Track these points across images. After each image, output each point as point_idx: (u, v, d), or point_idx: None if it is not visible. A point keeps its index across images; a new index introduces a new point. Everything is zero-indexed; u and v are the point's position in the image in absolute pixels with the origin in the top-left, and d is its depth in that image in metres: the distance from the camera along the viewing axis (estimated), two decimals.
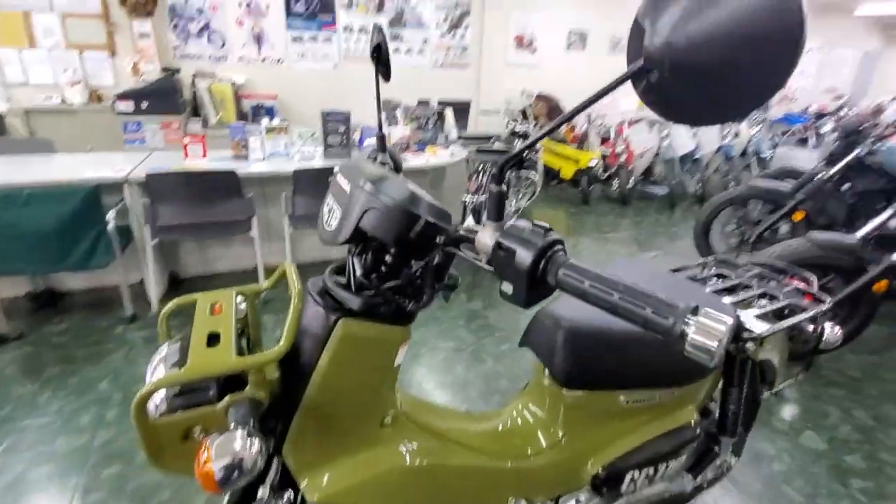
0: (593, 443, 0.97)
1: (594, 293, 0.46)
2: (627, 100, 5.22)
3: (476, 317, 2.67)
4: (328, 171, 2.76)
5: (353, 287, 0.66)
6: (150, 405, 0.56)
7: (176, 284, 2.97)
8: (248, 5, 4.61)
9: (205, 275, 3.11)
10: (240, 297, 0.73)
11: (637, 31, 0.42)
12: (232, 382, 0.60)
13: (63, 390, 2.01)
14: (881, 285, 2.04)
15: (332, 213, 0.65)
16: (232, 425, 0.55)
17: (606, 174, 5.07)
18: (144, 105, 3.71)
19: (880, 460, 1.77)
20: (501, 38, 5.68)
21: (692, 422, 1.04)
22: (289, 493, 0.70)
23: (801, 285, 1.26)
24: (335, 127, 3.01)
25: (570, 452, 0.96)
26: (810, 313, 1.13)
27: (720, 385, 1.10)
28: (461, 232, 0.59)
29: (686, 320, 0.42)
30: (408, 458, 0.76)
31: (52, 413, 1.88)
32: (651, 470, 1.00)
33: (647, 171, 5.35)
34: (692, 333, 0.41)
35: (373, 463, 0.73)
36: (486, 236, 0.54)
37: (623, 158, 4.88)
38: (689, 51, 0.38)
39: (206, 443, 0.52)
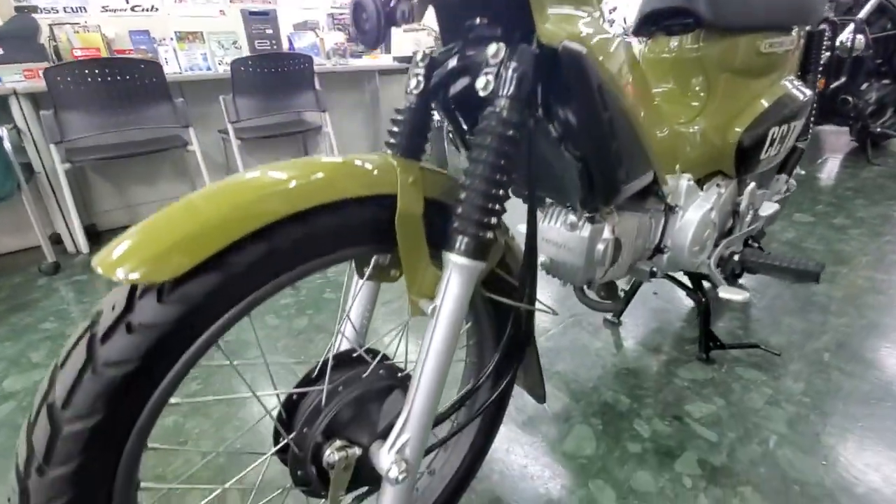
0: (734, 109, 0.92)
1: None
2: None
3: None
4: (277, 59, 2.40)
5: None
6: None
7: (95, 240, 2.43)
8: None
9: (129, 224, 2.59)
10: None
11: None
12: None
13: None
14: (821, 83, 2.29)
15: None
16: None
17: None
18: None
19: (858, 217, 2.00)
20: None
21: (802, 89, 1.04)
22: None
23: None
24: (261, 29, 2.65)
25: (715, 119, 0.90)
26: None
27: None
28: None
29: None
30: None
31: None
32: (785, 128, 0.97)
33: None
34: None
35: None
36: None
37: None
38: None
39: None
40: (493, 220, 0.51)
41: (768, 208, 1.03)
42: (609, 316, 1.35)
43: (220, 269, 0.40)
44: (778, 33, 0.92)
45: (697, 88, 0.90)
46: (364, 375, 0.57)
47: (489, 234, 0.51)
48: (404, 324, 0.65)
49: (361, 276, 0.64)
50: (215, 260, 0.40)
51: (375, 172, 0.49)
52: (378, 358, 0.59)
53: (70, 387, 0.37)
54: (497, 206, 0.52)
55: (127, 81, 1.97)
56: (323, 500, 0.56)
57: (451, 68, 0.60)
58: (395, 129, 0.62)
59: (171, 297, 0.39)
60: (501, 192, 0.51)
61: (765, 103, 0.94)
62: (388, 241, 0.52)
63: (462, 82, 0.62)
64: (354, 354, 0.60)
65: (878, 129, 2.73)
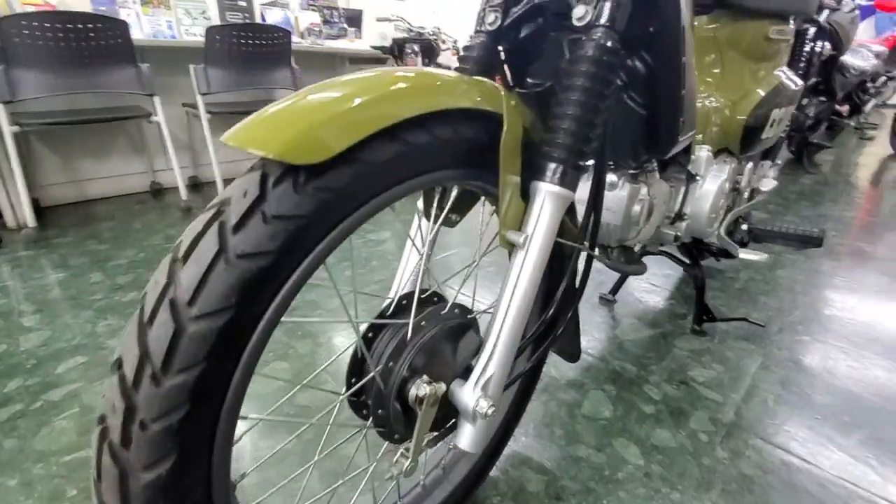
0: (742, 90, 0.99)
1: None
2: None
3: None
4: (255, 29, 2.29)
5: None
6: None
7: (37, 216, 2.19)
8: None
9: (77, 201, 2.36)
10: None
11: None
12: None
13: None
14: None
15: None
16: None
17: None
18: None
19: (804, 216, 2.21)
20: None
21: (794, 78, 1.13)
22: None
23: None
24: (233, 1, 2.51)
25: (728, 96, 0.97)
26: None
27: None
28: None
29: None
30: None
31: None
32: (784, 112, 1.06)
33: None
34: None
35: None
36: None
37: None
38: None
39: None
40: (588, 149, 0.52)
41: (768, 184, 1.12)
42: (605, 294, 1.40)
43: (353, 163, 0.38)
44: (782, 22, 1.00)
45: (712, 67, 0.96)
46: (443, 312, 0.56)
47: (582, 163, 0.52)
48: (474, 264, 0.64)
49: (428, 217, 0.63)
50: (347, 154, 0.38)
51: (483, 90, 0.49)
52: (454, 298, 0.58)
53: (199, 280, 0.33)
54: (591, 135, 0.52)
55: (89, 39, 1.80)
56: (395, 444, 0.54)
57: (531, 6, 0.60)
58: (466, 66, 0.62)
59: (307, 188, 0.36)
60: (596, 120, 0.52)
61: (767, 87, 1.02)
62: (482, 167, 0.51)
63: (531, 26, 0.63)
64: (427, 294, 0.58)
65: (815, 141, 3.04)
